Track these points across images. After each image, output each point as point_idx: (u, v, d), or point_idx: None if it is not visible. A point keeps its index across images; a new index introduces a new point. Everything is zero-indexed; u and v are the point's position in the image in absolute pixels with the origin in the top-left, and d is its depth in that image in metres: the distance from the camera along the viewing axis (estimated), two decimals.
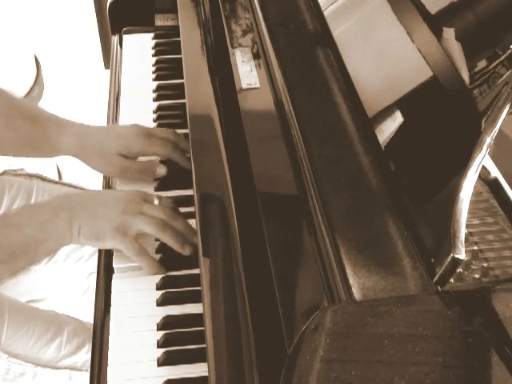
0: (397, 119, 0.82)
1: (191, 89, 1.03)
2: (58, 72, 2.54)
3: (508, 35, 0.83)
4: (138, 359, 0.85)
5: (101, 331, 0.90)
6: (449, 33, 0.83)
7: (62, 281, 1.29)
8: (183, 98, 1.06)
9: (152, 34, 1.40)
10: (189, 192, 1.02)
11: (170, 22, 1.42)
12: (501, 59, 0.80)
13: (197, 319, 0.84)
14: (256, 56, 1.01)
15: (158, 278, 0.93)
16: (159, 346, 0.85)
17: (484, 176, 0.78)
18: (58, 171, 2.11)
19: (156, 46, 1.37)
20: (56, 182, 1.38)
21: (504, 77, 0.78)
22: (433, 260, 0.65)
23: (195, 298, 0.87)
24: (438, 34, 0.83)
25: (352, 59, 0.90)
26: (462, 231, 0.64)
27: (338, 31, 0.95)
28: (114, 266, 0.95)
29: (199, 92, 1.03)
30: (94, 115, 1.58)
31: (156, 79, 1.29)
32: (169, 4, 1.36)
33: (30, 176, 1.35)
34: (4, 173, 1.33)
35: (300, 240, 0.75)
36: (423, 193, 0.75)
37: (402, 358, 0.57)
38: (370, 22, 0.94)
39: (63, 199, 0.94)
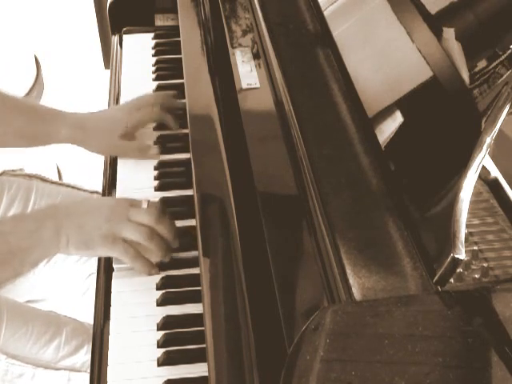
0: (397, 119, 0.82)
1: (191, 89, 1.03)
2: (58, 72, 2.54)
3: (508, 35, 0.83)
4: (137, 359, 0.85)
5: (101, 331, 0.90)
6: (449, 33, 0.83)
7: (62, 281, 1.29)
8: (183, 97, 1.06)
9: (152, 34, 1.40)
10: (189, 192, 1.02)
11: (170, 22, 1.42)
12: (501, 59, 0.80)
13: (197, 319, 0.84)
14: (256, 56, 1.01)
15: (157, 277, 0.93)
16: (159, 346, 0.85)
17: (484, 176, 0.78)
18: (58, 171, 2.11)
19: (156, 45, 1.37)
20: (55, 183, 1.38)
21: (504, 77, 0.78)
22: (433, 260, 0.65)
23: (195, 297, 0.87)
24: (438, 34, 0.83)
25: (352, 59, 0.90)
26: (462, 231, 0.64)
27: (337, 31, 0.95)
28: (114, 266, 0.95)
29: (199, 92, 1.03)
30: None
31: (156, 79, 1.29)
32: (169, 4, 1.36)
33: (30, 176, 1.35)
34: (3, 173, 1.33)
35: (300, 240, 0.75)
36: (423, 193, 0.75)
37: (401, 358, 0.57)
38: (370, 22, 0.94)
39: (50, 209, 0.95)
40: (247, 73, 0.97)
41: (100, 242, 0.89)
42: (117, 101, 1.27)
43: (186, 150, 1.07)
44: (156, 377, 0.83)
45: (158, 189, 1.06)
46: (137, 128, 1.13)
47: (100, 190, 1.14)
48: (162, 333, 0.86)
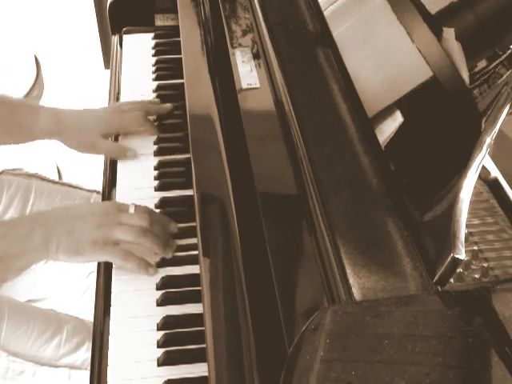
0: (397, 119, 0.82)
1: (191, 89, 1.03)
2: (58, 72, 2.54)
3: (508, 35, 0.83)
4: (138, 359, 0.85)
5: (101, 331, 0.90)
6: (449, 33, 0.83)
7: (62, 280, 1.29)
8: (183, 98, 1.06)
9: (152, 34, 1.40)
10: (189, 192, 1.02)
11: (170, 22, 1.42)
12: (501, 59, 0.80)
13: (197, 319, 0.84)
14: (256, 56, 1.01)
15: (157, 277, 0.93)
16: (159, 346, 0.85)
17: (484, 176, 0.78)
18: (58, 171, 2.11)
19: (156, 45, 1.37)
20: (55, 182, 1.38)
21: (504, 77, 0.78)
22: (433, 260, 0.65)
23: (195, 297, 0.87)
24: (438, 34, 0.83)
25: (352, 59, 0.90)
26: (462, 231, 0.64)
27: (338, 31, 0.95)
28: (114, 265, 0.95)
29: (199, 92, 1.03)
30: None
31: (156, 79, 1.29)
32: (169, 4, 1.36)
33: (29, 176, 1.35)
34: (3, 172, 1.33)
35: (300, 240, 0.75)
36: (423, 192, 0.75)
37: (401, 358, 0.57)
38: (370, 22, 0.94)
39: (38, 216, 0.95)
40: (247, 73, 0.97)
41: (90, 247, 0.89)
42: (117, 101, 1.27)
43: (185, 150, 1.07)
44: (156, 377, 0.83)
45: (157, 189, 1.06)
46: (117, 130, 1.13)
47: (100, 189, 1.14)
48: (161, 333, 0.86)
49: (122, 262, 0.91)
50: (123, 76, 1.31)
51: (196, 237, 0.85)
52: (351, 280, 0.65)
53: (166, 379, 0.82)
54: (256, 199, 0.78)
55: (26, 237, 0.88)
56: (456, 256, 0.62)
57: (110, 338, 0.87)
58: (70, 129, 1.10)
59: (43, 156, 2.01)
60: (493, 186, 0.78)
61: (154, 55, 1.35)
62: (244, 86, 0.95)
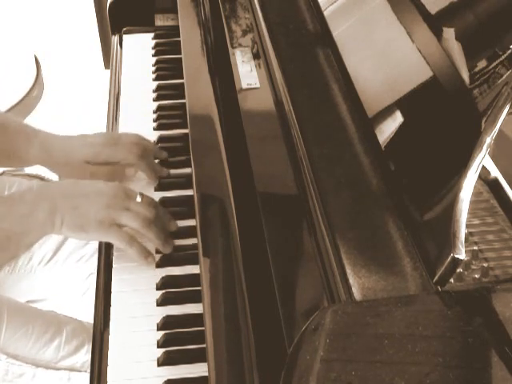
0: (397, 119, 0.82)
1: (191, 89, 1.03)
2: (58, 72, 2.54)
3: (508, 35, 0.83)
4: (138, 359, 0.85)
5: (101, 331, 0.90)
6: (449, 33, 0.83)
7: (62, 281, 1.29)
8: (183, 98, 1.06)
9: (152, 34, 1.40)
10: (189, 192, 1.02)
11: (170, 22, 1.42)
12: (501, 59, 0.80)
13: (197, 319, 0.84)
14: (256, 56, 1.01)
15: (157, 277, 0.93)
16: (159, 346, 0.85)
17: (484, 176, 0.78)
18: None
19: (156, 45, 1.37)
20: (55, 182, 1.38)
21: (504, 77, 0.78)
22: (432, 260, 0.65)
23: (195, 297, 0.87)
24: (438, 34, 0.83)
25: (352, 59, 0.90)
26: (462, 231, 0.64)
27: (338, 31, 0.95)
28: (114, 265, 0.95)
29: (199, 92, 1.03)
30: (94, 115, 1.59)
31: (156, 79, 1.29)
32: (169, 4, 1.36)
33: (30, 176, 1.35)
34: (3, 173, 1.33)
35: (300, 240, 0.75)
36: (423, 193, 0.75)
37: (402, 358, 0.57)
38: (370, 22, 0.94)
39: (43, 189, 0.93)
40: (247, 73, 0.97)
41: (96, 226, 0.88)
42: (117, 101, 1.27)
43: (186, 150, 1.07)
44: (156, 377, 0.82)
45: (157, 189, 1.06)
46: (105, 162, 1.03)
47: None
48: (161, 333, 0.86)
49: (125, 245, 0.90)
50: (123, 76, 1.31)
51: (196, 237, 0.85)
52: (351, 280, 0.65)
53: (165, 379, 0.82)
54: (256, 199, 0.78)
55: (30, 214, 0.87)
56: (456, 256, 0.62)
57: (110, 338, 0.87)
58: (56, 163, 1.04)
59: None
60: (493, 185, 0.78)
61: (154, 55, 1.35)
62: (244, 86, 0.95)
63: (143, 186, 1.05)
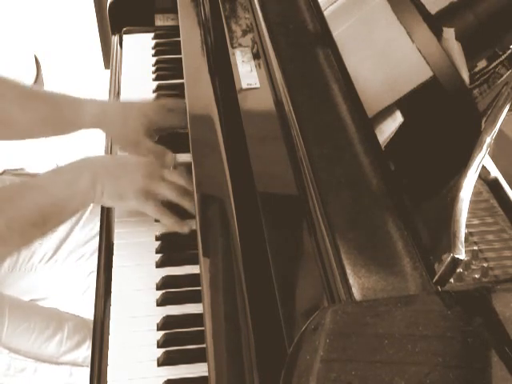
0: (397, 119, 0.82)
1: (191, 89, 1.03)
2: (58, 72, 2.54)
3: (508, 35, 0.83)
4: (138, 359, 0.85)
5: (101, 331, 0.90)
6: (449, 33, 0.83)
7: (63, 280, 1.29)
8: (183, 97, 1.06)
9: (152, 34, 1.40)
10: None
11: (170, 22, 1.42)
12: (501, 59, 0.80)
13: (197, 319, 0.84)
14: (256, 56, 1.01)
15: (158, 277, 0.93)
16: (159, 346, 0.85)
17: (484, 176, 0.78)
18: None
19: (156, 45, 1.37)
20: None
21: (504, 77, 0.78)
22: (432, 260, 0.65)
23: (195, 297, 0.87)
24: (438, 34, 0.83)
25: (352, 59, 0.90)
26: (462, 231, 0.64)
27: (338, 31, 0.95)
28: (114, 265, 0.95)
29: (199, 92, 1.03)
30: None
31: (156, 79, 1.29)
32: (169, 4, 1.36)
33: (30, 176, 1.35)
34: (4, 172, 1.34)
35: (300, 240, 0.75)
36: (423, 193, 0.75)
37: (402, 358, 0.57)
38: (370, 22, 0.94)
39: (85, 161, 0.97)
40: (247, 73, 0.97)
41: (135, 195, 0.93)
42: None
43: (186, 150, 1.07)
44: (156, 377, 0.83)
45: None
46: (159, 128, 1.12)
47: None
48: (161, 333, 0.86)
49: (160, 216, 0.95)
50: (123, 76, 1.31)
51: (196, 237, 0.85)
52: (351, 280, 0.65)
53: (165, 379, 0.82)
54: (256, 199, 0.78)
55: (75, 182, 0.92)
56: (456, 256, 0.62)
57: (110, 337, 0.87)
58: (114, 122, 1.11)
59: (44, 156, 2.01)
60: (493, 186, 0.78)
61: (154, 55, 1.35)
62: (244, 85, 0.95)
63: None
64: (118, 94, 1.28)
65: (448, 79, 0.79)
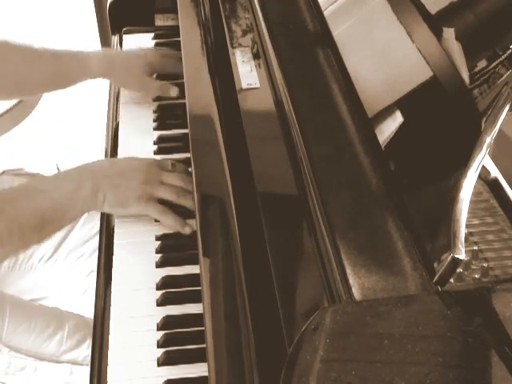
0: (397, 119, 0.82)
1: (191, 89, 1.03)
2: None
3: (508, 35, 0.83)
4: (138, 359, 0.85)
5: (101, 331, 0.90)
6: (449, 33, 0.83)
7: (63, 279, 1.29)
8: (183, 98, 1.06)
9: (152, 34, 1.40)
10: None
11: (170, 22, 1.42)
12: (501, 59, 0.80)
13: (197, 319, 0.84)
14: (256, 56, 1.01)
15: (158, 277, 0.93)
16: (159, 346, 0.85)
17: (484, 176, 0.78)
18: (58, 171, 2.11)
19: (156, 46, 1.37)
20: None
21: (504, 77, 0.78)
22: (433, 260, 0.65)
23: (195, 297, 0.87)
24: (438, 34, 0.83)
25: (352, 59, 0.90)
26: (462, 231, 0.64)
27: (338, 31, 0.95)
28: (114, 265, 0.95)
29: (199, 92, 1.03)
30: (94, 115, 1.58)
31: (156, 79, 1.29)
32: (169, 4, 1.36)
33: (30, 176, 1.35)
34: (4, 172, 1.34)
35: (300, 240, 0.75)
36: (423, 193, 0.75)
37: (402, 358, 0.57)
38: (370, 22, 0.94)
39: (86, 169, 0.99)
40: (247, 73, 0.97)
41: (135, 201, 0.96)
42: (117, 101, 1.27)
43: (186, 150, 1.07)
44: (156, 377, 0.83)
45: None
46: (157, 70, 1.22)
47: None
48: (161, 333, 0.86)
49: (163, 218, 0.97)
50: None
51: (196, 237, 0.85)
52: (351, 280, 0.65)
53: (165, 379, 0.82)
54: (256, 199, 0.78)
55: (76, 189, 0.95)
56: (456, 256, 0.62)
57: (110, 337, 0.87)
58: (119, 69, 1.19)
59: (43, 156, 2.01)
60: (493, 185, 0.78)
61: None
62: (244, 85, 0.95)
63: None
64: (118, 93, 1.28)
65: (448, 79, 0.79)
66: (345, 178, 0.77)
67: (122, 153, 1.13)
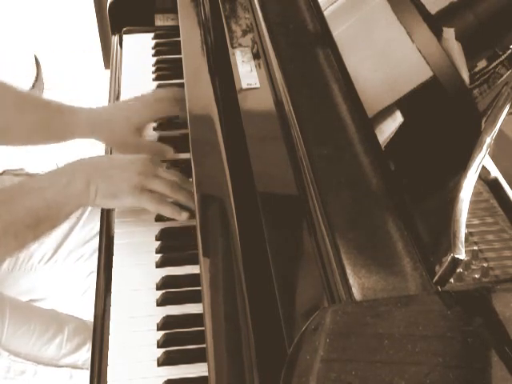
0: (397, 119, 0.82)
1: (191, 89, 1.03)
2: (58, 72, 2.54)
3: (508, 35, 0.83)
4: (138, 359, 0.85)
5: (101, 331, 0.90)
6: (449, 33, 0.83)
7: (62, 280, 1.29)
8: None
9: (152, 34, 1.40)
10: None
11: (170, 22, 1.42)
12: (501, 59, 0.80)
13: (197, 319, 0.84)
14: (256, 56, 1.01)
15: (158, 277, 0.93)
16: (159, 346, 0.85)
17: (484, 176, 0.78)
18: None
19: (156, 45, 1.37)
20: None
21: (504, 77, 0.78)
22: (432, 260, 0.65)
23: (195, 297, 0.87)
24: (438, 34, 0.83)
25: (352, 59, 0.90)
26: (462, 231, 0.64)
27: (338, 31, 0.95)
28: (114, 265, 0.95)
29: (199, 92, 1.03)
30: None
31: (156, 79, 1.29)
32: (169, 4, 1.36)
33: (30, 176, 1.35)
34: (4, 172, 1.33)
35: (300, 240, 0.75)
36: (423, 193, 0.75)
37: (402, 358, 0.57)
38: (370, 22, 0.94)
39: (78, 163, 0.98)
40: (247, 73, 0.97)
41: (128, 191, 0.94)
42: (117, 101, 1.27)
43: (186, 150, 1.07)
44: (156, 377, 0.83)
45: None
46: (151, 120, 1.16)
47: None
48: (161, 333, 0.86)
49: (157, 206, 0.96)
50: (123, 76, 1.31)
51: (196, 237, 0.85)
52: (351, 280, 0.65)
53: (166, 379, 0.82)
54: (256, 199, 0.78)
55: (68, 185, 0.93)
56: (456, 256, 0.62)
57: (110, 337, 0.87)
58: (102, 131, 1.13)
59: (44, 156, 2.01)
60: (493, 186, 0.78)
61: (154, 55, 1.35)
62: (244, 85, 0.95)
63: None
64: (118, 93, 1.28)
65: (448, 79, 0.79)
66: (345, 178, 0.77)
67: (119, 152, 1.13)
